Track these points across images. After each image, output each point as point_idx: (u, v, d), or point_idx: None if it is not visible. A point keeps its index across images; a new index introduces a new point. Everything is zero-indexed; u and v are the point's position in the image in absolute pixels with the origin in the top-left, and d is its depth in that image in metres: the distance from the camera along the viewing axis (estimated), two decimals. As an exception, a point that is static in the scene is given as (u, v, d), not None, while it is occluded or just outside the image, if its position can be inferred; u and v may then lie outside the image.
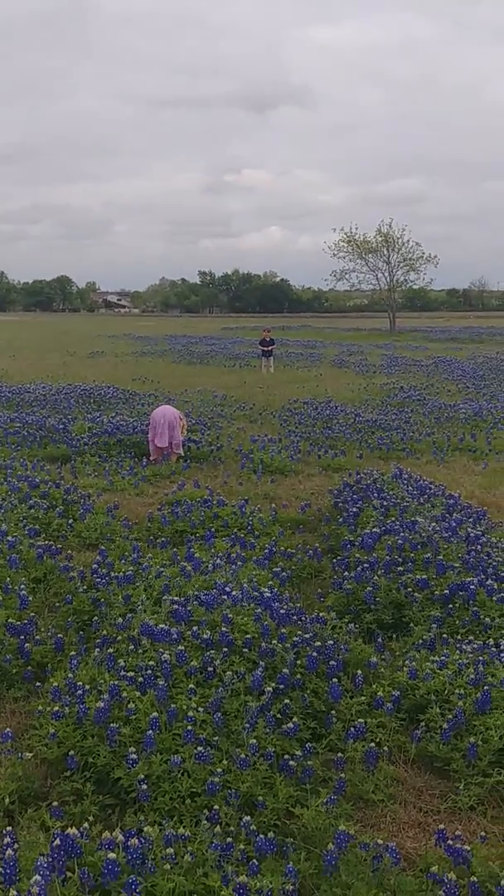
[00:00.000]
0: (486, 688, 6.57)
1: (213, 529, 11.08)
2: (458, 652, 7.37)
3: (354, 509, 11.48)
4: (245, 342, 52.77)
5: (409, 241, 71.77)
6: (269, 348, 35.95)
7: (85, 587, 8.78)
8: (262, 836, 5.16)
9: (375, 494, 12.01)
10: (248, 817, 5.34)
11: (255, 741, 5.98)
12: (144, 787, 5.61)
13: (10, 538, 9.96)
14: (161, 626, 7.30)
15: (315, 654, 7.04)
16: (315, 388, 27.15)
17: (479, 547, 9.68)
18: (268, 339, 36.31)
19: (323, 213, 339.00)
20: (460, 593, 8.39)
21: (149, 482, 13.83)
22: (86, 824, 5.16)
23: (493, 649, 7.34)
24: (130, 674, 6.66)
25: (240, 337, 60.24)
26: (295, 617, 7.80)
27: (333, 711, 6.58)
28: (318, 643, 7.21)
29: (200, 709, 6.28)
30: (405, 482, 12.63)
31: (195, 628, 7.31)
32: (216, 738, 6.07)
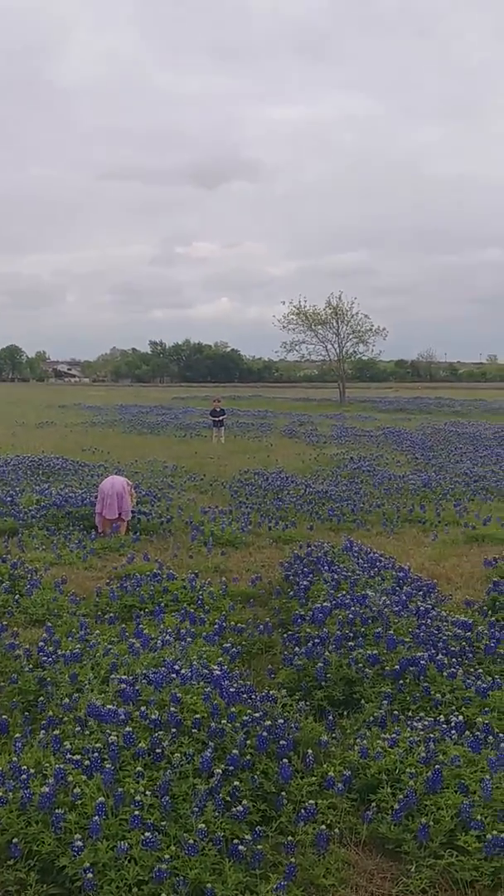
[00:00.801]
0: (436, 766, 6.51)
1: (162, 604, 10.93)
2: (408, 729, 7.31)
3: (305, 582, 11.42)
4: (196, 412, 52.75)
5: (357, 313, 72.94)
6: (220, 418, 36.00)
7: (31, 666, 8.61)
8: (210, 926, 5.02)
9: (326, 567, 11.98)
10: (197, 906, 5.20)
11: (203, 825, 5.86)
12: (90, 875, 5.46)
13: (-46, 615, 9.76)
14: (108, 706, 7.17)
15: (265, 733, 6.94)
16: (266, 458, 27.20)
17: (428, 621, 9.67)
18: (218, 410, 36.42)
19: (272, 285, 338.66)
20: (411, 668, 8.36)
21: (97, 555, 13.68)
22: (28, 917, 4.98)
23: (444, 726, 7.30)
24: (76, 757, 6.52)
25: (191, 407, 60.41)
26: (245, 695, 7.70)
27: (284, 793, 6.48)
28: (269, 722, 7.12)
29: (148, 792, 6.15)
30: (355, 554, 12.63)
31: (143, 708, 7.19)
32: (164, 822, 5.94)
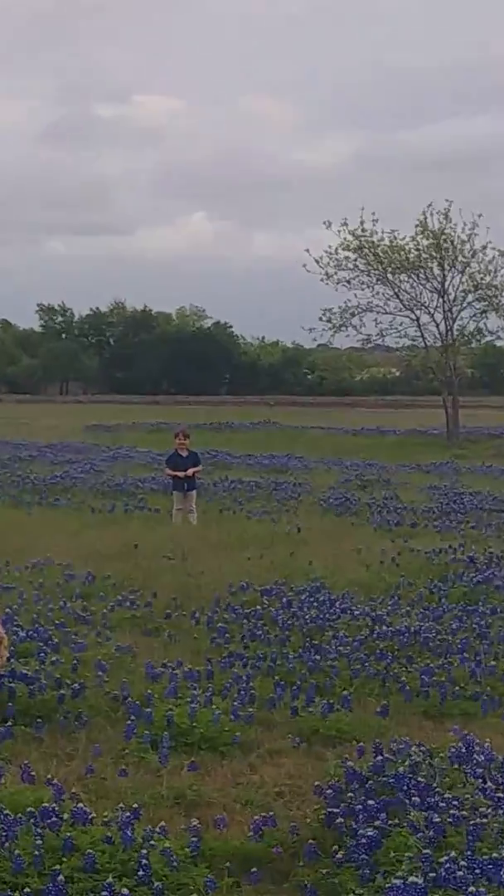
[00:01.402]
0: None
1: (62, 878, 5.15)
2: None
3: (370, 832, 5.63)
4: (136, 457, 29.47)
5: (486, 246, 37.50)
6: (190, 472, 17.94)
7: None
8: None
9: (416, 795, 5.94)
10: None
11: None
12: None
13: None
14: None
15: None
16: (288, 557, 14.77)
17: None
18: (184, 452, 18.30)
19: (300, 186, 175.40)
20: None
21: None
22: None
23: None
24: None
25: (124, 447, 32.53)
26: None
27: None
28: None
29: None
30: (477, 768, 6.39)
31: None
32: None
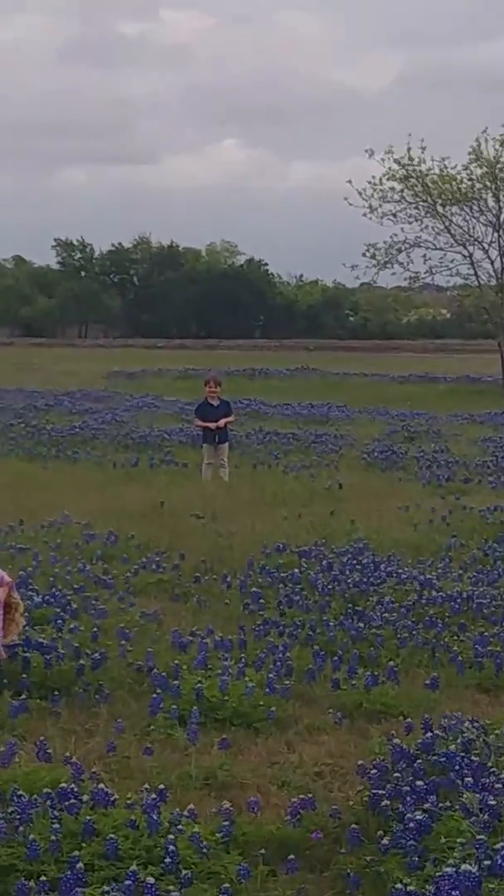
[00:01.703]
0: None
1: (81, 865, 4.91)
2: None
3: (419, 816, 5.26)
4: (162, 407, 28.29)
5: None
6: (221, 423, 17.25)
7: None
8: None
9: (469, 775, 5.58)
10: None
11: None
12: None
13: None
14: None
15: None
16: (327, 516, 13.95)
17: None
18: (215, 402, 17.52)
19: (341, 112, 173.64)
20: None
21: None
22: None
23: None
24: None
25: (149, 395, 31.16)
26: None
27: None
28: None
29: None
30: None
31: None
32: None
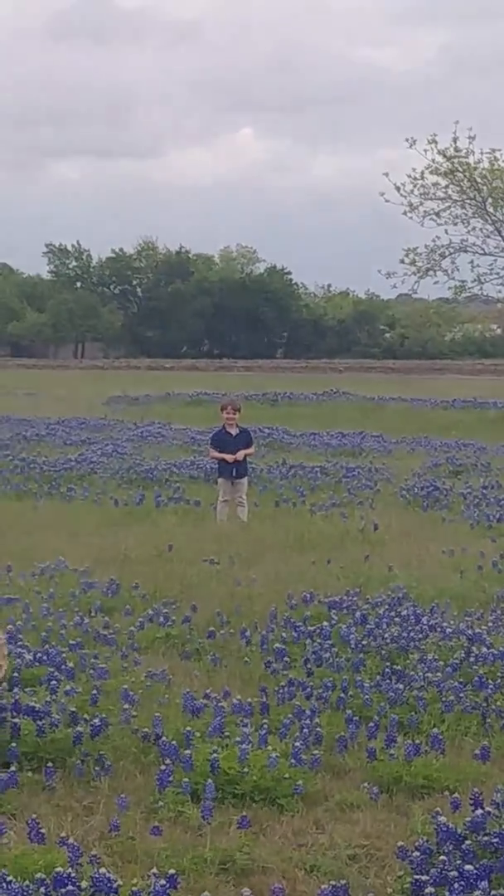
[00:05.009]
0: None
1: None
2: None
3: None
4: (171, 436, 26.53)
5: None
6: (240, 455, 15.91)
7: None
8: None
9: None
10: None
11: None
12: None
13: None
14: None
15: None
16: (360, 562, 13.35)
17: None
18: (233, 430, 16.11)
19: (373, 96, 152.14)
20: None
21: None
22: None
23: None
24: None
25: (155, 423, 29.27)
26: None
27: None
28: None
29: None
30: None
31: None
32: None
